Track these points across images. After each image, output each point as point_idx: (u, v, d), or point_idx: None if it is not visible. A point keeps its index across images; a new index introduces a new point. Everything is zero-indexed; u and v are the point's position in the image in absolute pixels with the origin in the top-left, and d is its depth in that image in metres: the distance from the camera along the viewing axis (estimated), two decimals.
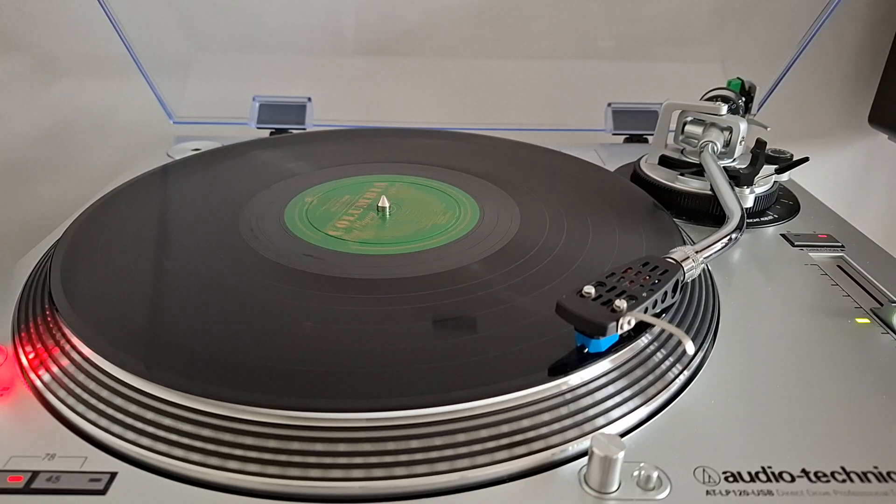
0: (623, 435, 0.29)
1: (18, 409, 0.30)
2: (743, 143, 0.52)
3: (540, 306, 0.35)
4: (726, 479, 0.27)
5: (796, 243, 0.46)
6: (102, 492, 0.25)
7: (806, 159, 0.51)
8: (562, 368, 0.30)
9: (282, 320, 0.34)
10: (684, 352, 0.33)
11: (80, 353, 0.31)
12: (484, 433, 0.27)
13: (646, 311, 0.31)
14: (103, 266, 0.39)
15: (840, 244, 0.46)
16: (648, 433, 0.29)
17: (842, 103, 0.81)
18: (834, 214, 0.52)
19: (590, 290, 0.31)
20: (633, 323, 0.30)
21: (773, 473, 0.27)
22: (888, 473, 0.27)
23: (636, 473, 0.27)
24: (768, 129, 0.54)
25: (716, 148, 0.51)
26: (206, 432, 0.27)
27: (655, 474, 0.26)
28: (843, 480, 0.27)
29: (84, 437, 0.28)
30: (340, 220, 0.45)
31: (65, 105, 0.75)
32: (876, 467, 0.28)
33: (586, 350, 0.31)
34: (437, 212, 0.47)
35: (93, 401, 0.29)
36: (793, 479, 0.27)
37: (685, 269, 0.35)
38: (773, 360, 0.34)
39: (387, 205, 0.47)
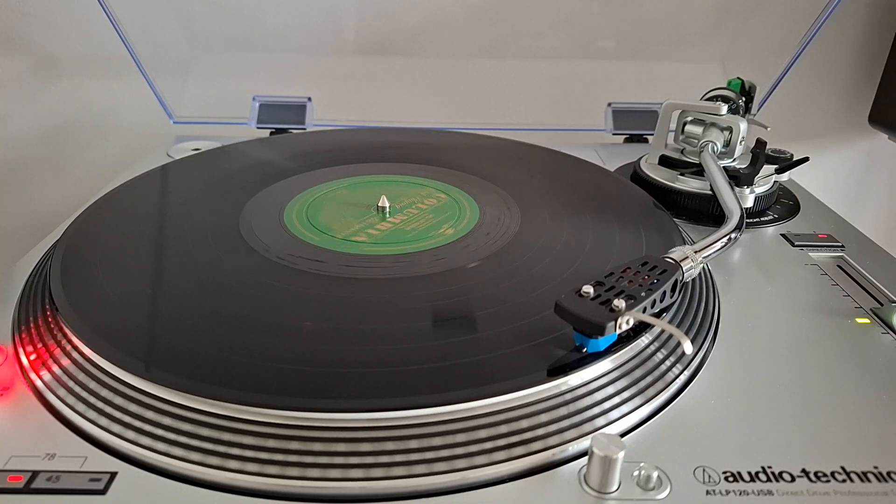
0: (623, 435, 0.29)
1: (18, 409, 0.30)
2: (743, 143, 0.52)
3: (540, 306, 0.35)
4: (726, 479, 0.27)
5: (796, 243, 0.46)
6: (102, 492, 0.25)
7: (806, 159, 0.51)
8: (561, 368, 0.30)
9: (282, 320, 0.34)
10: (684, 352, 0.33)
11: (80, 353, 0.31)
12: (484, 433, 0.27)
13: (644, 311, 0.31)
14: (103, 266, 0.39)
15: (840, 244, 0.46)
16: (648, 433, 0.29)
17: (842, 103, 0.81)
18: (834, 214, 0.52)
19: (588, 289, 0.31)
20: (631, 322, 0.30)
21: (773, 473, 0.27)
22: (888, 473, 0.27)
23: (636, 473, 0.27)
24: (768, 129, 0.54)
25: (716, 148, 0.51)
26: (205, 432, 0.27)
27: (655, 474, 0.26)
28: (843, 480, 0.27)
29: (84, 437, 0.28)
30: (340, 220, 0.45)
31: (65, 105, 0.75)
32: (876, 467, 0.28)
33: (585, 350, 0.31)
34: (437, 212, 0.47)
35: (93, 400, 0.29)
36: (793, 479, 0.27)
37: (684, 268, 0.35)
38: (773, 360, 0.34)
39: (387, 205, 0.47)
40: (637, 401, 0.30)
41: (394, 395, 0.28)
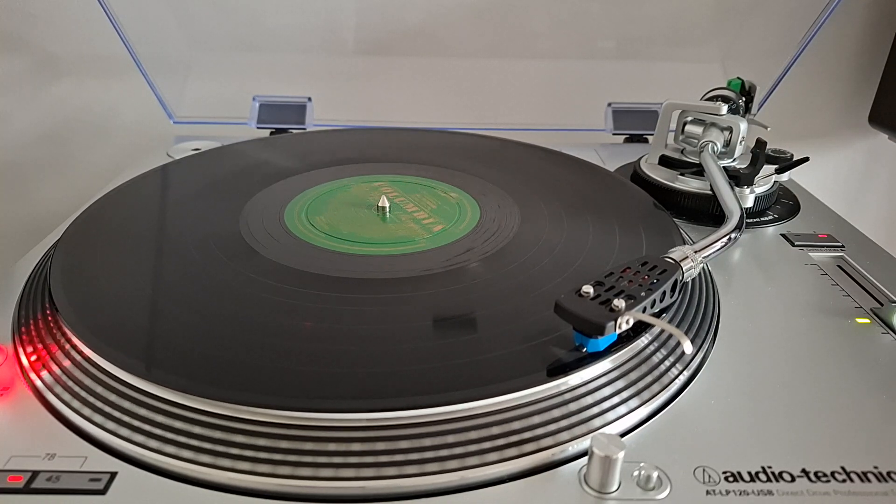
0: (623, 435, 0.29)
1: (18, 408, 0.30)
2: (743, 143, 0.52)
3: (540, 306, 0.35)
4: (726, 479, 0.27)
5: (796, 243, 0.46)
6: (102, 492, 0.25)
7: (806, 159, 0.51)
8: (561, 368, 0.30)
9: (282, 320, 0.34)
10: (684, 352, 0.33)
11: (80, 353, 0.31)
12: (483, 433, 0.27)
13: (644, 311, 0.31)
14: (103, 266, 0.39)
15: (840, 244, 0.46)
16: (648, 433, 0.29)
17: (842, 103, 0.81)
18: (834, 214, 0.52)
19: (588, 289, 0.31)
20: (631, 322, 0.30)
21: (773, 473, 0.27)
22: (888, 473, 0.27)
23: (636, 473, 0.27)
24: (768, 129, 0.54)
25: (716, 148, 0.51)
26: (205, 432, 0.27)
27: (655, 474, 0.26)
28: (843, 480, 0.27)
29: (84, 437, 0.28)
30: (340, 221, 0.45)
31: (65, 105, 0.75)
32: (876, 467, 0.28)
33: (585, 350, 0.31)
34: (437, 212, 0.47)
35: (93, 400, 0.29)
36: (793, 479, 0.27)
37: (684, 268, 0.35)
38: (773, 360, 0.34)
39: (387, 205, 0.47)
40: (637, 401, 0.30)
41: (393, 396, 0.28)
